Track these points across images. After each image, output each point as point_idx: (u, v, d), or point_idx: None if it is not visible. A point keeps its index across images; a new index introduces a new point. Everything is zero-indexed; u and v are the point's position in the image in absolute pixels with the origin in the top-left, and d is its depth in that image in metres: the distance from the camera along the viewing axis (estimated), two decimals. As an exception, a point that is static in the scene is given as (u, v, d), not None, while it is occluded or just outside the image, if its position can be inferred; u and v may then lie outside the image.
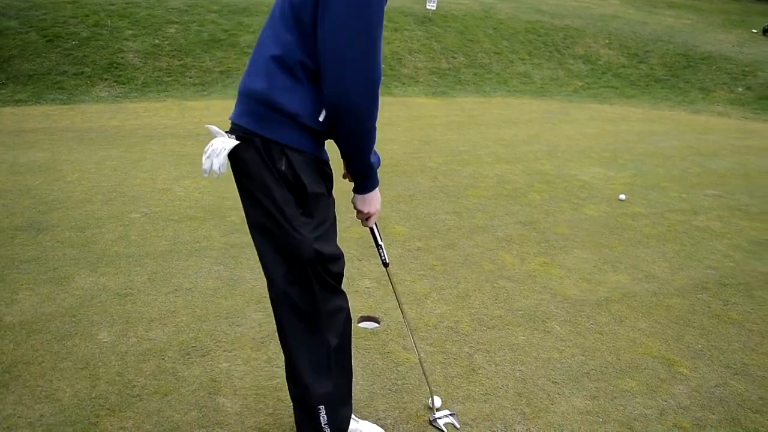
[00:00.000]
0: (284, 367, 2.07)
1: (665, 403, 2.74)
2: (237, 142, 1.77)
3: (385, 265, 2.23)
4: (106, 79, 9.87)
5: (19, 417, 2.40)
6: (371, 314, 3.28)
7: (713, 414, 2.68)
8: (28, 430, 2.34)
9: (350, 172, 1.92)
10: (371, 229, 2.15)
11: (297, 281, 1.89)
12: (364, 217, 2.03)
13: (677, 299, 3.75)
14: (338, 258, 1.96)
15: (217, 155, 1.75)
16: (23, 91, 9.20)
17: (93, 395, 2.55)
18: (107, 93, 9.54)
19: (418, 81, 11.94)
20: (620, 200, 5.62)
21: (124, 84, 9.86)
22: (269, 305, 2.06)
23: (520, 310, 3.47)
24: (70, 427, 2.37)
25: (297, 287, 1.90)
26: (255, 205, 1.84)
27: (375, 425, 2.41)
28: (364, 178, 1.92)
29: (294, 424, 2.26)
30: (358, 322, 3.21)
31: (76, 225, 4.32)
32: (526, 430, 2.49)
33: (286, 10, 1.71)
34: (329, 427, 2.02)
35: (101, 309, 3.23)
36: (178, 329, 3.07)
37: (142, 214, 4.58)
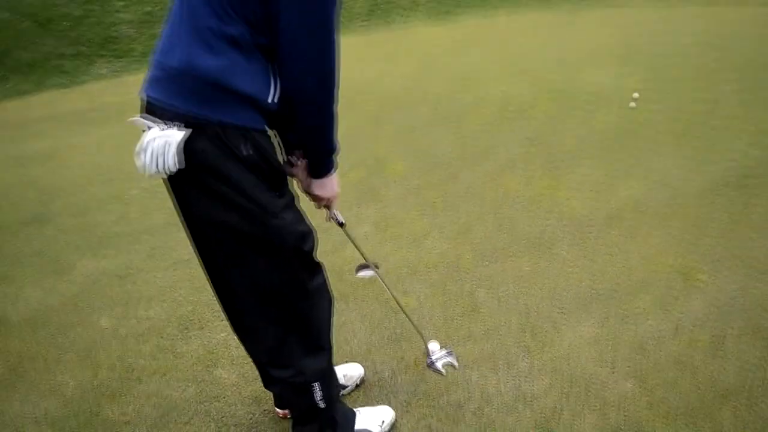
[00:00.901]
0: (260, 354, 1.94)
1: (680, 319, 2.59)
2: (186, 132, 1.47)
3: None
4: (104, 55, 9.78)
5: (25, 416, 2.40)
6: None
7: (733, 324, 2.52)
8: (34, 427, 2.35)
9: (308, 159, 1.72)
10: (334, 217, 1.95)
11: (283, 272, 1.73)
12: (323, 204, 1.85)
13: (693, 205, 3.54)
14: (311, 233, 1.79)
15: (165, 152, 1.47)
16: (26, 81, 9.19)
17: (95, 384, 2.55)
18: (107, 69, 9.47)
19: (418, 6, 11.49)
20: (631, 107, 5.33)
21: (121, 57, 9.77)
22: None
23: (524, 239, 3.32)
24: (73, 420, 2.36)
25: (285, 279, 1.74)
26: (214, 202, 1.58)
27: (354, 364, 2.41)
28: (323, 162, 1.73)
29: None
30: (357, 272, 3.12)
31: (78, 211, 4.31)
32: (530, 366, 2.38)
33: None
34: (324, 401, 1.94)
35: (102, 294, 3.22)
36: (177, 303, 3.04)
37: (141, 189, 4.53)
